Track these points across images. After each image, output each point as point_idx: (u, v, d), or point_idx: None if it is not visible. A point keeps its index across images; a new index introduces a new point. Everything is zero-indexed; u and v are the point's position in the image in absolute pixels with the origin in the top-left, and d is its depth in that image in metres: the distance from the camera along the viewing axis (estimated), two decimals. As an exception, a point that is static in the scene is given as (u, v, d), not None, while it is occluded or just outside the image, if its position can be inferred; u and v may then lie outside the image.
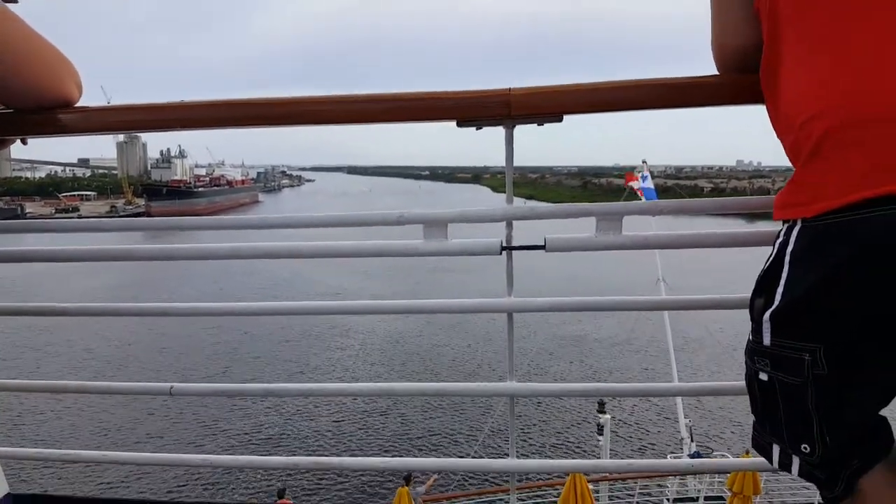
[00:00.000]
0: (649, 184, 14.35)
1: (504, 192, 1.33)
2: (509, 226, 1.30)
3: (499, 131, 1.25)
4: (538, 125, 1.22)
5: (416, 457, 14.08)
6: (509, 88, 1.18)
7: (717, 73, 1.13)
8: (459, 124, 1.22)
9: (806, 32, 0.88)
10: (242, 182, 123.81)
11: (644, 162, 15.52)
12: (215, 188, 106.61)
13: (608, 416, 11.81)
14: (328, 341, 24.04)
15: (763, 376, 0.93)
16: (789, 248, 0.88)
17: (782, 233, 0.91)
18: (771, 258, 0.92)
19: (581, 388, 1.44)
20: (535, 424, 16.47)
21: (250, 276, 35.00)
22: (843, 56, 0.83)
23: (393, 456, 13.73)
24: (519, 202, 1.32)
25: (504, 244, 1.27)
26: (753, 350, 0.94)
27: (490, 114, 1.20)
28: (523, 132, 1.24)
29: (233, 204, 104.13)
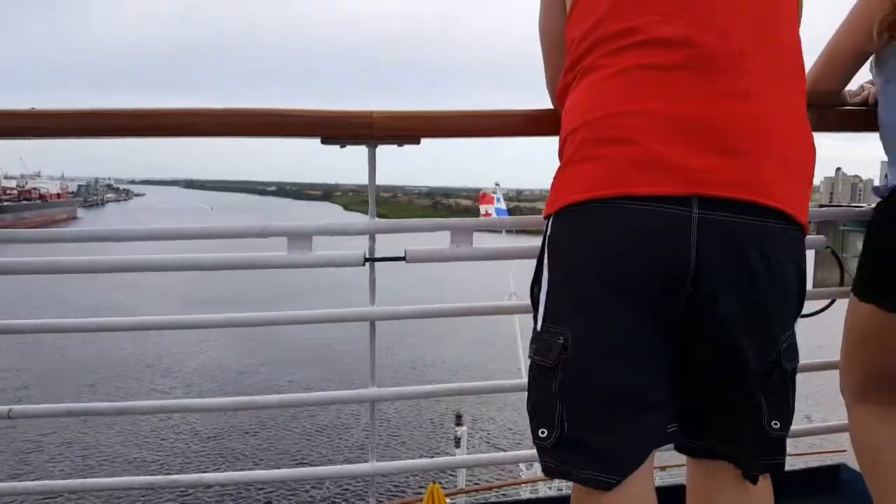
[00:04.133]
0: (502, 205, 15.17)
1: (355, 210, 1.42)
2: (372, 239, 1.39)
3: (354, 149, 1.33)
4: (398, 146, 1.33)
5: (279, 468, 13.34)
6: (371, 111, 1.28)
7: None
8: (324, 142, 1.30)
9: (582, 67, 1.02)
10: (59, 196, 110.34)
11: (497, 184, 16.31)
12: (25, 202, 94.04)
13: (465, 427, 12.23)
14: (145, 382, 19.44)
15: (529, 362, 0.98)
16: (548, 233, 0.98)
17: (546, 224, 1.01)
18: (540, 248, 1.01)
19: (439, 388, 1.56)
20: (396, 445, 16.26)
21: (46, 303, 25.17)
22: (593, 85, 0.97)
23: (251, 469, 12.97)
24: None
25: (367, 256, 1.36)
26: (531, 338, 0.98)
27: (354, 133, 1.29)
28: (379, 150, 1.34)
29: (45, 220, 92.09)
